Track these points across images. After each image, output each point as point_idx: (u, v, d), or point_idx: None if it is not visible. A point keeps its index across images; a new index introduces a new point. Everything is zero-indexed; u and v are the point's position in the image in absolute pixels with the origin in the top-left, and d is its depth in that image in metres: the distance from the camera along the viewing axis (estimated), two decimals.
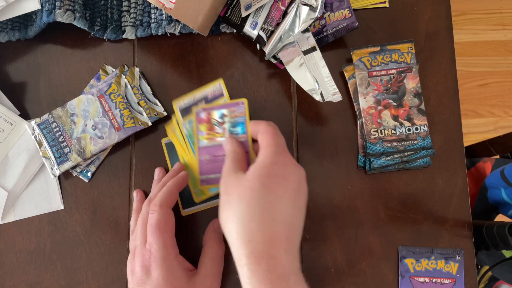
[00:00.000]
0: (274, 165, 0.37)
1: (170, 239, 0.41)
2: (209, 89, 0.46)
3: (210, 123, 0.43)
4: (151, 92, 0.49)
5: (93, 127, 0.45)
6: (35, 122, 0.47)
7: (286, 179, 0.37)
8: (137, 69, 0.49)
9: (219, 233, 0.45)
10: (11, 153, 0.48)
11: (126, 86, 0.48)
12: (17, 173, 0.48)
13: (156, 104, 0.49)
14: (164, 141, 0.48)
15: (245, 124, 0.42)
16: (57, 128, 0.46)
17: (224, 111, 0.43)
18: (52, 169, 0.47)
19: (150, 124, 0.48)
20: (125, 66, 0.50)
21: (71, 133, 0.46)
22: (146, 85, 0.49)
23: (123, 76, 0.48)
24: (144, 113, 0.48)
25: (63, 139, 0.45)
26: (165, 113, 0.49)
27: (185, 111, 0.46)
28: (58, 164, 0.46)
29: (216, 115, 0.43)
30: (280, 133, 0.40)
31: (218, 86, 0.46)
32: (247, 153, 0.41)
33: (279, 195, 0.36)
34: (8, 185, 0.48)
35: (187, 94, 0.46)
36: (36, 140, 0.47)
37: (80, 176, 0.48)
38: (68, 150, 0.45)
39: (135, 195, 0.47)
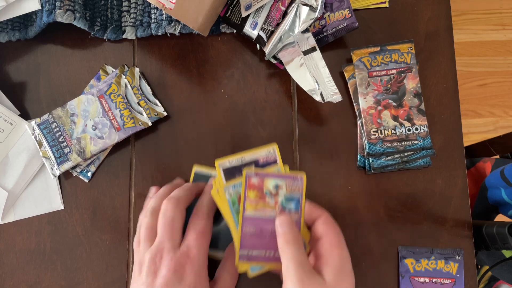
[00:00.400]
0: (349, 267, 0.38)
1: (207, 247, 0.40)
2: (261, 153, 0.40)
3: (261, 191, 0.38)
4: (151, 92, 0.49)
5: (93, 127, 0.45)
6: (35, 122, 0.47)
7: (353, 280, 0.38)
8: (137, 69, 0.49)
9: None
10: (11, 153, 0.48)
11: (126, 86, 0.48)
12: (17, 173, 0.48)
13: (156, 104, 0.49)
14: (195, 168, 0.46)
15: (301, 201, 0.38)
16: (57, 128, 0.46)
17: (280, 181, 0.38)
18: (52, 169, 0.47)
19: (150, 124, 0.48)
20: (125, 66, 0.50)
21: (71, 133, 0.46)
22: (146, 85, 0.49)
23: (123, 76, 0.48)
24: (144, 113, 0.48)
25: (63, 139, 0.45)
26: (165, 113, 0.49)
27: (230, 174, 0.39)
28: (58, 164, 0.46)
29: (270, 184, 0.38)
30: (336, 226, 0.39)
31: (272, 151, 0.41)
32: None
33: None
34: (8, 185, 0.48)
35: (234, 154, 0.40)
36: (36, 140, 0.47)
37: (80, 176, 0.48)
38: (68, 150, 0.45)
39: (154, 191, 0.46)
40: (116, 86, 0.48)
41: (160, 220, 0.40)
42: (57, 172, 0.47)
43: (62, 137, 0.45)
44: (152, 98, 0.49)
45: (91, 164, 0.48)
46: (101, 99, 0.45)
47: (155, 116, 0.48)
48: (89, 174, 0.48)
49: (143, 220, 0.42)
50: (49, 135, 0.46)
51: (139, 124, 0.47)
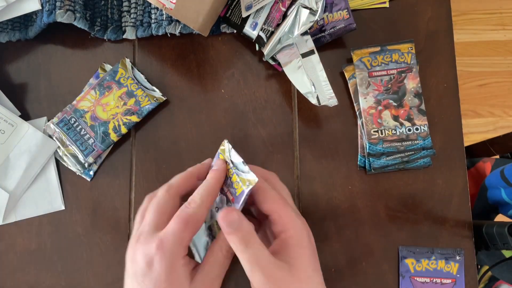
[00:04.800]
0: (309, 239, 0.37)
1: (189, 238, 0.37)
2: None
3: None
4: (146, 80, 0.49)
5: (216, 208, 0.41)
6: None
7: (314, 246, 0.37)
8: (127, 60, 0.49)
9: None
10: (12, 154, 0.48)
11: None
12: (18, 175, 0.48)
13: (154, 90, 0.49)
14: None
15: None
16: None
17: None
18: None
19: (164, 98, 0.49)
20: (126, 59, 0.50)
21: (203, 225, 0.42)
22: (140, 73, 0.49)
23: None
24: (157, 90, 0.49)
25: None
26: (164, 98, 0.49)
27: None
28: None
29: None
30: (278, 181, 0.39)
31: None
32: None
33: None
34: (10, 187, 0.48)
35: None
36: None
37: (83, 176, 0.48)
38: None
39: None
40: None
41: (148, 205, 0.39)
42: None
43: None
44: (148, 85, 0.49)
45: (92, 163, 0.48)
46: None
47: (155, 101, 0.48)
48: (91, 172, 0.48)
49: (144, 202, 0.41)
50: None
51: (154, 100, 0.48)
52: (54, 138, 0.48)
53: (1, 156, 0.48)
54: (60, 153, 0.49)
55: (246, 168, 0.36)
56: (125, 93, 0.48)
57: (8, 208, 0.48)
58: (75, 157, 0.48)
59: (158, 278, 0.35)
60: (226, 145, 0.38)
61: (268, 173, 0.40)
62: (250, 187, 0.35)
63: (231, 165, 0.38)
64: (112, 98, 0.48)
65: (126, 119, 0.48)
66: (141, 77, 0.49)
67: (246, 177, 0.36)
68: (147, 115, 0.49)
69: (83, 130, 0.47)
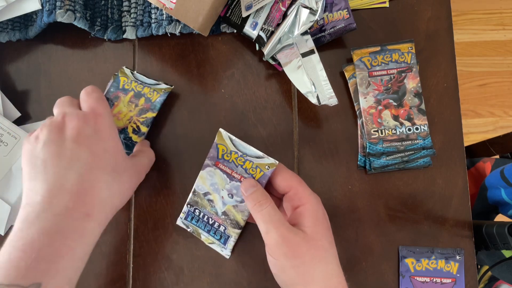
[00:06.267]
0: (324, 215, 0.39)
1: (112, 115, 0.41)
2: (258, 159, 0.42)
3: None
4: (148, 78, 0.49)
5: (230, 195, 0.42)
6: (180, 219, 0.45)
7: (328, 223, 0.39)
8: (125, 67, 0.49)
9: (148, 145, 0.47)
10: (14, 167, 0.48)
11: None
12: (20, 188, 0.48)
13: (159, 84, 0.49)
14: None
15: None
16: (202, 213, 0.44)
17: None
18: (222, 251, 0.45)
19: (172, 87, 0.49)
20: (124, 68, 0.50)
21: (215, 212, 0.43)
22: (140, 75, 0.49)
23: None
24: (161, 82, 0.49)
25: (213, 220, 0.43)
26: (172, 86, 0.49)
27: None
28: (225, 244, 0.44)
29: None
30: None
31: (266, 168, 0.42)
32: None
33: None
34: (12, 199, 0.48)
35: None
36: (194, 234, 0.45)
37: None
38: (223, 228, 0.43)
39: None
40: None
41: (59, 101, 0.41)
42: (229, 253, 0.44)
43: (210, 219, 0.43)
44: (151, 81, 0.49)
45: None
46: (218, 165, 0.43)
47: (164, 92, 0.48)
48: None
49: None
50: (199, 223, 0.44)
51: (163, 92, 0.48)
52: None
53: (3, 168, 0.48)
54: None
55: (261, 153, 0.40)
56: (133, 96, 0.48)
57: (9, 221, 0.47)
58: None
59: (104, 139, 0.38)
60: (223, 133, 0.41)
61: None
62: (272, 169, 0.40)
63: (239, 153, 0.41)
64: (122, 105, 0.47)
65: (142, 118, 0.47)
66: (142, 77, 0.49)
67: (265, 162, 0.40)
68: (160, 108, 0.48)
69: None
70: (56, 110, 0.40)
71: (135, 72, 0.49)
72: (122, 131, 0.47)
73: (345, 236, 0.47)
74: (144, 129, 0.47)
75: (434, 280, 0.45)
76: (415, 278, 0.45)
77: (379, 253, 0.46)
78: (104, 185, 0.37)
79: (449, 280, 0.45)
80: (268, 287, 0.46)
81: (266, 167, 0.40)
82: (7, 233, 0.48)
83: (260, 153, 0.40)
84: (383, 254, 0.46)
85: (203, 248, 0.47)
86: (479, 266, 0.65)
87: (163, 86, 0.48)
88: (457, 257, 0.45)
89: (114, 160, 0.39)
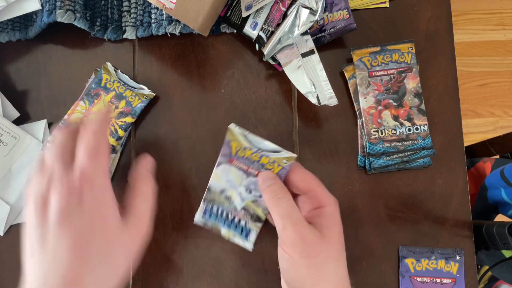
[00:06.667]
0: (339, 218, 0.39)
1: (107, 164, 0.34)
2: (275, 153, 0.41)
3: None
4: (131, 80, 0.49)
5: (248, 191, 0.41)
6: (48, 141, 0.45)
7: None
8: (109, 64, 0.49)
9: (149, 172, 0.40)
10: (14, 167, 0.48)
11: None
12: (20, 188, 0.48)
13: (142, 88, 0.49)
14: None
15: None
16: (220, 210, 0.43)
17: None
18: (244, 244, 0.43)
19: (154, 94, 0.48)
20: (97, 69, 0.50)
21: (234, 207, 0.42)
22: (124, 75, 0.49)
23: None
24: (145, 87, 0.48)
25: (233, 215, 0.42)
26: (154, 94, 0.49)
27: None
28: (247, 237, 0.43)
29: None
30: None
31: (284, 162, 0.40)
32: None
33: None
34: (11, 199, 0.48)
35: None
36: (213, 230, 0.44)
37: None
38: (244, 222, 0.42)
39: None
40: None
41: (48, 153, 0.34)
42: (251, 246, 0.43)
43: (230, 214, 0.42)
44: (135, 84, 0.49)
45: None
46: (233, 162, 0.41)
47: (146, 99, 0.48)
48: None
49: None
50: (218, 219, 0.43)
51: (145, 98, 0.48)
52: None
53: (3, 168, 0.48)
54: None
55: (277, 147, 0.39)
56: (114, 97, 0.48)
57: (8, 221, 0.47)
58: None
59: (90, 213, 0.31)
60: (234, 130, 0.39)
61: None
62: (290, 163, 0.39)
63: (254, 149, 0.40)
64: (102, 105, 0.47)
65: (121, 121, 0.48)
66: (126, 78, 0.49)
67: (283, 156, 0.39)
68: (145, 114, 0.49)
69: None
70: (47, 161, 0.35)
71: (118, 71, 0.49)
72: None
73: (345, 236, 0.46)
74: (121, 133, 0.47)
75: (434, 281, 0.45)
76: (415, 278, 0.45)
77: (379, 253, 0.46)
78: (92, 279, 0.32)
79: (449, 281, 0.45)
80: (269, 287, 0.46)
81: (284, 161, 0.39)
82: (6, 234, 0.48)
83: (276, 147, 0.39)
84: (383, 254, 0.46)
85: (203, 248, 0.47)
86: (479, 266, 0.65)
87: (146, 91, 0.49)
88: (457, 257, 0.45)
89: (104, 238, 0.33)
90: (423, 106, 0.47)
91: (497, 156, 0.73)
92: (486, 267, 0.65)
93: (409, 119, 0.46)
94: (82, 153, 0.33)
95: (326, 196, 0.38)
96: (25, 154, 0.48)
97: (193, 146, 0.49)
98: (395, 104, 0.47)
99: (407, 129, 0.46)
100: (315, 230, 0.36)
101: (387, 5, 0.50)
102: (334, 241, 0.37)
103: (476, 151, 0.75)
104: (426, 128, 0.46)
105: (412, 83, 0.47)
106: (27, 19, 0.51)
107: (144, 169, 0.40)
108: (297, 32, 0.45)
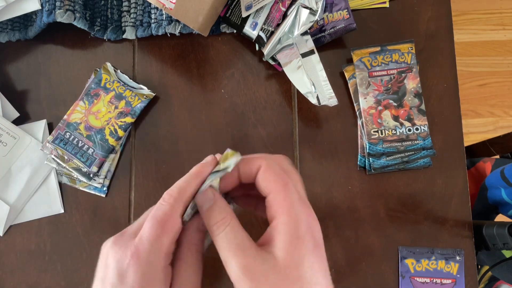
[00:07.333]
0: (309, 229, 0.29)
1: (169, 243, 0.30)
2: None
3: None
4: (131, 80, 0.49)
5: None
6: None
7: (318, 241, 0.29)
8: (108, 64, 0.49)
9: (202, 233, 0.33)
10: (14, 167, 0.48)
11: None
12: (19, 188, 0.48)
13: (141, 88, 0.49)
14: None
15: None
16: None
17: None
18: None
19: (154, 94, 0.49)
20: (97, 69, 0.50)
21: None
22: (124, 74, 0.49)
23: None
24: (144, 87, 0.49)
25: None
26: (153, 94, 0.49)
27: None
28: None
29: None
30: (288, 165, 0.31)
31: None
32: None
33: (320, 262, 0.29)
34: (10, 199, 0.48)
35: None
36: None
37: (97, 193, 0.48)
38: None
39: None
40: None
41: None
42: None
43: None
44: (134, 84, 0.49)
45: (104, 178, 0.48)
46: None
47: (145, 99, 0.48)
48: (105, 188, 0.48)
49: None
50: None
51: (144, 98, 0.48)
52: (53, 157, 0.47)
53: (3, 168, 0.48)
54: (66, 169, 0.47)
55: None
56: (114, 97, 0.48)
57: (8, 221, 0.47)
58: (78, 170, 0.47)
59: None
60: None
61: (278, 156, 0.33)
62: (237, 159, 0.31)
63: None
64: (102, 105, 0.47)
65: (121, 121, 0.48)
66: (125, 78, 0.49)
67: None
68: (145, 114, 0.49)
69: (80, 142, 0.46)
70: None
71: (118, 71, 0.49)
72: (99, 131, 0.47)
73: (345, 236, 0.47)
74: (121, 133, 0.47)
75: (434, 281, 0.45)
76: (415, 278, 0.45)
77: (379, 253, 0.46)
78: None
79: (449, 281, 0.45)
80: None
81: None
82: (6, 234, 0.48)
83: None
84: (383, 254, 0.46)
85: None
86: (479, 266, 0.65)
87: (146, 91, 0.49)
88: (457, 258, 0.45)
89: None
90: (423, 106, 0.47)
91: (497, 156, 0.73)
92: (486, 267, 0.65)
93: (409, 119, 0.46)
94: (148, 222, 0.29)
95: (286, 202, 0.29)
96: (24, 154, 0.48)
97: (193, 146, 0.49)
98: (395, 104, 0.47)
99: (407, 129, 0.46)
100: (267, 257, 0.28)
101: (387, 5, 0.50)
102: (294, 266, 0.28)
103: (476, 151, 0.75)
104: (426, 128, 0.46)
105: (412, 83, 0.47)
106: (26, 19, 0.51)
107: (198, 231, 0.33)
108: (297, 32, 0.45)
